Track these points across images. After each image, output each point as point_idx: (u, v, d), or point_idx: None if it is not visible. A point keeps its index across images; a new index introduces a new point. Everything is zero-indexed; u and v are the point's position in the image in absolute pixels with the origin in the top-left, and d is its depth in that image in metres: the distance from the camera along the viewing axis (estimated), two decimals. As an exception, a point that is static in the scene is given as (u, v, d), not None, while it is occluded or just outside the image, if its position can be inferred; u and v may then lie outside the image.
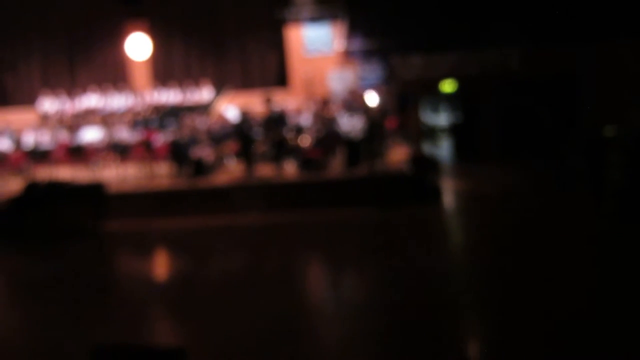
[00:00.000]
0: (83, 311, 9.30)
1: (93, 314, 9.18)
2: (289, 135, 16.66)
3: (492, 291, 8.90)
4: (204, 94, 21.25)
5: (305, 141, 16.33)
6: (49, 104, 21.51)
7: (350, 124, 17.39)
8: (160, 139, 18.70)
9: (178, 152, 16.15)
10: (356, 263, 11.43)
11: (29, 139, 19.03)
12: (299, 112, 18.46)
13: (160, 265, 12.55)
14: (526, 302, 8.31)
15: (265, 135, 16.26)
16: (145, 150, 17.15)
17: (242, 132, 16.12)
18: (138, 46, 22.28)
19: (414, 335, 7.46)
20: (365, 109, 17.63)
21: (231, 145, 17.24)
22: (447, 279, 9.79)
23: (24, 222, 14.25)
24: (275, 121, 16.33)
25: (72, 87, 22.41)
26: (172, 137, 17.16)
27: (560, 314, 7.83)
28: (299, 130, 17.08)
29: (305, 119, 17.77)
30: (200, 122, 17.63)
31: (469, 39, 20.49)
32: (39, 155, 17.51)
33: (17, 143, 18.81)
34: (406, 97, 20.58)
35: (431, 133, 20.54)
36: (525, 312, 7.99)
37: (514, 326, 7.57)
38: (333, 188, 15.10)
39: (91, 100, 21.60)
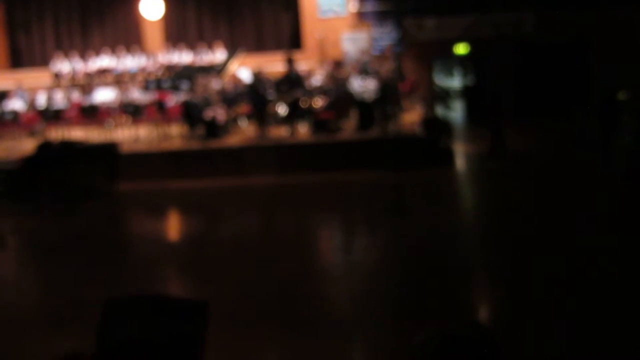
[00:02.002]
0: (98, 271, 9.26)
1: (108, 273, 9.13)
2: (302, 97, 16.50)
3: (503, 254, 8.83)
4: (216, 55, 21.12)
5: (319, 103, 16.18)
6: (61, 65, 21.41)
7: (363, 86, 17.26)
8: (173, 99, 18.58)
9: (190, 113, 16.01)
10: (368, 225, 11.44)
11: (42, 99, 18.95)
12: (311, 74, 18.30)
13: (173, 226, 12.52)
14: (537, 265, 8.22)
15: (279, 97, 16.11)
16: (157, 111, 17.02)
17: (255, 93, 15.96)
18: (151, 5, 22.10)
19: (425, 297, 7.39)
20: (378, 71, 17.46)
21: (244, 107, 17.12)
22: (458, 240, 9.74)
23: (38, 182, 14.21)
24: (291, 82, 16.14)
25: (85, 47, 22.30)
26: (184, 98, 17.00)
27: (569, 277, 7.76)
28: (312, 92, 16.94)
29: (318, 81, 17.60)
30: (213, 83, 17.49)
31: (483, 1, 20.24)
32: (51, 116, 17.40)
33: (30, 103, 18.74)
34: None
35: (444, 96, 20.40)
36: (535, 275, 7.91)
37: (524, 289, 7.50)
38: (346, 150, 14.97)
39: (104, 60, 21.50)
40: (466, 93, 16.37)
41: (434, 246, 9.47)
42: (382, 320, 6.98)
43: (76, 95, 19.55)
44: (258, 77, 16.36)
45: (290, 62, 16.92)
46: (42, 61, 22.34)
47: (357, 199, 13.24)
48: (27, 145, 16.22)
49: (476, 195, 12.94)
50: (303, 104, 16.52)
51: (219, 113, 16.18)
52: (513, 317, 6.84)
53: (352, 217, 11.94)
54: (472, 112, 18.75)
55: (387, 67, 17.76)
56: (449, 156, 15.46)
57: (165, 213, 13.43)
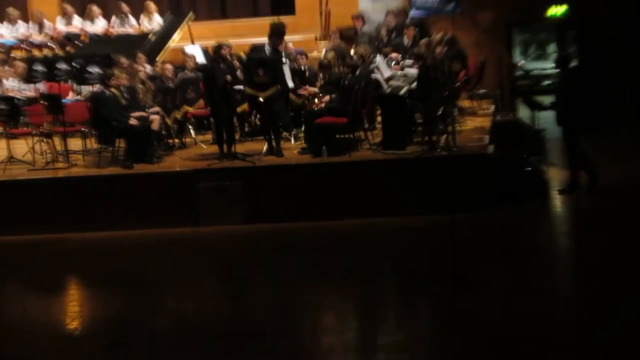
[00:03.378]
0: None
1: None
2: (291, 89, 16.45)
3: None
4: (149, 21, 21.11)
5: (319, 101, 16.10)
6: None
7: (394, 73, 17.16)
8: (74, 94, 18.55)
9: (103, 118, 15.93)
10: (403, 305, 11.36)
11: None
12: (307, 51, 18.27)
13: (74, 306, 12.37)
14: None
15: (252, 89, 16.00)
16: (47, 113, 16.91)
17: (212, 83, 15.88)
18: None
19: None
20: (419, 49, 17.37)
21: (195, 105, 17.06)
22: (551, 331, 9.64)
23: None
24: (273, 65, 16.03)
25: None
26: (93, 91, 16.93)
27: None
28: (307, 81, 16.87)
29: (317, 63, 17.58)
30: (142, 68, 17.42)
31: None
32: None
33: None
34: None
35: (532, 88, 20.30)
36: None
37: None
38: (365, 179, 14.95)
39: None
40: (566, 81, 16.15)
41: (509, 345, 9.31)
42: None
43: None
44: (218, 56, 16.26)
45: (273, 32, 16.87)
46: None
47: (383, 260, 13.13)
48: None
49: (585, 258, 12.78)
50: (293, 102, 16.48)
51: (152, 116, 16.08)
52: None
53: (376, 291, 11.81)
54: (576, 114, 18.62)
55: (434, 42, 17.67)
56: (539, 187, 15.42)
57: (60, 284, 13.25)
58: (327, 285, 12.19)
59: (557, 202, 15.54)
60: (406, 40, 18.79)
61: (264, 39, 17.07)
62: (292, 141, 16.84)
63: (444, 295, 11.00)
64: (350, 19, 20.54)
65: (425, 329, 10.39)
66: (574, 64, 19.31)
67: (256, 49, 17.24)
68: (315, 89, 16.84)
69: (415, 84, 16.10)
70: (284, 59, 16.94)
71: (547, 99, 16.34)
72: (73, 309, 12.21)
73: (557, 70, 16.93)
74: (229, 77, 15.54)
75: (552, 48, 24.86)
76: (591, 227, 14.05)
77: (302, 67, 17.41)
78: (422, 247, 13.12)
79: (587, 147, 15.54)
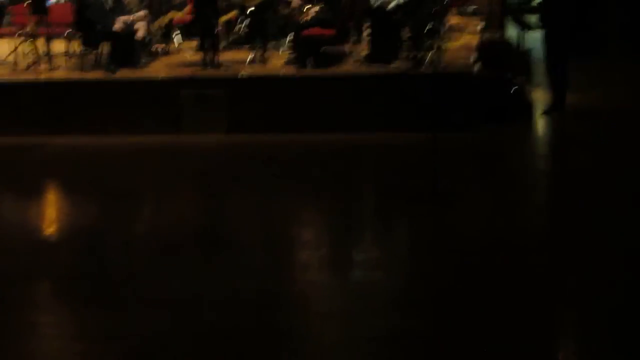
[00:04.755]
0: None
1: None
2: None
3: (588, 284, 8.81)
4: None
5: (307, 11, 16.01)
6: None
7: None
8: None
9: (88, 20, 15.84)
10: (386, 220, 11.43)
11: None
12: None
13: (51, 213, 12.42)
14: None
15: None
16: (31, 14, 16.80)
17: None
18: None
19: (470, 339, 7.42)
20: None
21: (180, 14, 16.96)
22: (527, 248, 9.81)
23: None
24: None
25: None
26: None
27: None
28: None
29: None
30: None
31: None
32: None
33: None
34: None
35: (522, 5, 20.21)
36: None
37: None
38: (352, 94, 14.92)
39: None
40: (552, 5, 16.10)
41: (485, 261, 9.37)
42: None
43: None
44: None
45: None
46: None
47: (364, 175, 13.31)
48: None
49: (563, 177, 12.85)
50: (279, 12, 16.41)
51: (137, 23, 15.99)
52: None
53: (354, 207, 11.93)
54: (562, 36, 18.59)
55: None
56: (523, 108, 15.41)
57: (39, 188, 13.28)
58: (304, 199, 12.24)
59: (541, 123, 15.56)
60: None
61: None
62: (281, 50, 16.67)
63: (422, 212, 11.06)
64: None
65: (402, 246, 10.45)
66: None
67: None
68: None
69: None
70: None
71: (536, 19, 16.28)
72: (50, 214, 12.31)
73: None
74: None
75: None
76: (571, 148, 14.28)
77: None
78: (404, 164, 13.16)
79: (566, 71, 15.55)
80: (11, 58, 16.44)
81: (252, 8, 15.94)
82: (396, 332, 7.70)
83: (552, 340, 7.75)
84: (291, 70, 15.61)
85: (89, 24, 15.87)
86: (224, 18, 16.48)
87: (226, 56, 16.22)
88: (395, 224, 11.14)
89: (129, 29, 15.89)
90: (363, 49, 16.12)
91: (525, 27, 16.36)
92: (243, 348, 7.53)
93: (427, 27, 15.45)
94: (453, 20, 18.41)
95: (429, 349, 7.44)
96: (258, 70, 15.67)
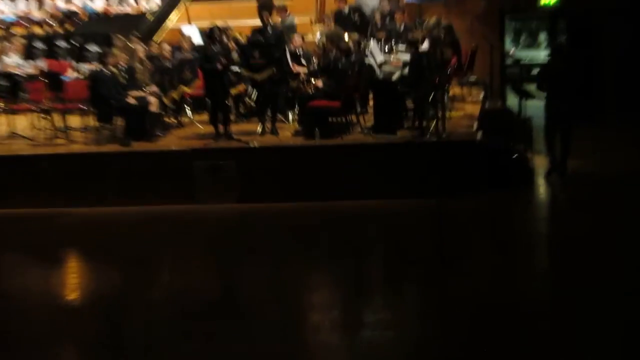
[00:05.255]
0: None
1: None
2: (286, 72, 16.46)
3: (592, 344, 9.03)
4: (147, 1, 21.13)
5: (314, 83, 16.15)
6: None
7: (387, 59, 17.26)
8: (73, 72, 18.55)
9: (103, 96, 15.95)
10: (393, 284, 11.50)
11: None
12: (303, 34, 18.24)
13: (73, 278, 12.55)
14: None
15: (248, 70, 16.08)
16: (48, 90, 16.97)
17: (208, 63, 15.89)
18: None
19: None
20: (413, 35, 17.42)
21: (192, 85, 17.12)
22: (535, 312, 9.90)
23: None
24: (267, 47, 16.08)
25: None
26: (93, 70, 16.99)
27: None
28: (303, 64, 16.91)
29: (309, 50, 17.65)
30: (140, 47, 17.42)
31: None
32: None
33: None
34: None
35: (522, 76, 20.24)
36: None
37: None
38: (358, 162, 15.08)
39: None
40: (558, 72, 16.21)
41: (491, 322, 9.59)
42: None
43: None
44: (214, 36, 16.26)
45: (261, 6, 16.97)
46: None
47: (372, 241, 13.38)
48: None
49: (565, 242, 12.91)
50: (288, 85, 16.57)
51: (149, 97, 16.11)
52: None
53: (362, 271, 12.08)
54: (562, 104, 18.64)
55: (427, 28, 17.68)
56: (524, 174, 15.61)
57: (60, 257, 13.42)
58: (315, 265, 12.31)
59: (542, 187, 15.72)
60: (398, 25, 18.84)
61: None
62: (290, 122, 16.93)
63: (430, 275, 11.20)
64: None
65: (411, 308, 10.58)
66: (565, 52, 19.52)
67: (257, 31, 17.23)
68: (304, 69, 16.89)
69: (407, 70, 16.18)
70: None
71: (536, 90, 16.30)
72: (71, 281, 12.37)
73: (551, 57, 16.87)
74: (222, 61, 15.57)
75: (542, 37, 24.97)
76: (572, 212, 14.35)
77: (297, 50, 17.40)
78: (410, 230, 13.25)
79: (568, 136, 15.70)
80: (28, 132, 16.59)
81: (261, 81, 16.13)
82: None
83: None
84: (299, 140, 15.73)
85: (102, 99, 16.04)
86: (233, 91, 16.59)
87: (237, 128, 16.37)
88: (404, 288, 11.22)
89: (142, 103, 16.06)
90: (369, 119, 16.36)
91: (525, 95, 16.32)
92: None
93: (430, 97, 15.55)
94: (455, 90, 18.52)
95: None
96: (267, 140, 15.80)
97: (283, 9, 18.44)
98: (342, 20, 18.84)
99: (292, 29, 18.25)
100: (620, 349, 8.83)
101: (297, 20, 19.47)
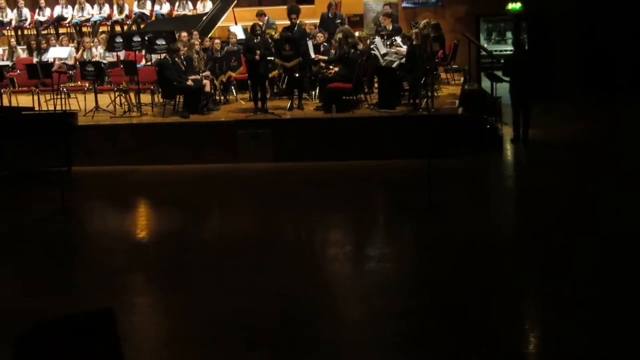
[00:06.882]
0: (37, 277, 9.23)
1: (55, 281, 9.07)
2: (309, 60, 16.43)
3: (550, 273, 8.79)
4: (203, 5, 20.97)
5: (331, 70, 16.04)
6: (6, 14, 21.28)
7: (388, 50, 17.15)
8: (145, 60, 18.49)
9: (167, 78, 15.88)
10: (390, 226, 11.44)
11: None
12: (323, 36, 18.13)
13: (143, 222, 12.43)
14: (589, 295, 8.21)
15: (280, 59, 15.99)
16: (125, 74, 16.88)
17: (250, 54, 15.79)
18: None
19: (458, 323, 7.40)
20: (409, 32, 17.37)
21: (237, 71, 16.98)
22: (505, 251, 9.74)
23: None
24: (295, 42, 16.01)
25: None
26: (160, 59, 16.87)
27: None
28: (322, 54, 16.83)
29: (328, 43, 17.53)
30: (197, 40, 17.32)
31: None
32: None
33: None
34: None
35: (492, 64, 20.23)
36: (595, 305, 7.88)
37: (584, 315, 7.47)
38: (365, 131, 14.93)
39: (58, 9, 21.37)
40: (519, 61, 16.21)
41: (473, 255, 9.40)
42: (402, 347, 6.95)
43: (22, 52, 19.43)
44: (255, 33, 16.16)
45: (290, 11, 16.96)
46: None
47: (377, 192, 13.23)
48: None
49: (529, 192, 12.78)
50: (312, 70, 16.47)
51: (203, 79, 16.04)
52: (562, 344, 6.89)
53: (369, 216, 11.89)
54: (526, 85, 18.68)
55: (420, 26, 17.57)
56: (495, 142, 15.44)
57: (133, 203, 13.40)
58: (332, 209, 12.16)
59: (509, 152, 15.55)
60: (388, 26, 18.62)
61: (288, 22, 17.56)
62: (312, 99, 16.76)
63: (422, 219, 11.03)
64: (355, 8, 20.83)
65: (407, 245, 10.44)
66: (526, 47, 19.45)
67: (286, 29, 17.58)
68: (325, 57, 16.73)
69: (404, 59, 16.10)
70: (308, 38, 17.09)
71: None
72: (142, 222, 12.34)
73: (514, 50, 17.00)
74: (258, 52, 15.44)
75: (508, 35, 25.06)
76: (535, 169, 14.33)
77: (320, 43, 17.30)
78: (406, 183, 13.09)
79: (529, 112, 15.65)
80: (111, 107, 16.51)
81: (290, 67, 15.99)
82: (405, 310, 7.74)
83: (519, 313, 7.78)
84: (320, 113, 15.62)
85: (167, 81, 16.00)
86: (269, 75, 16.51)
87: (271, 103, 16.26)
88: (401, 227, 11.15)
89: (198, 85, 15.96)
90: (374, 97, 16.25)
91: (495, 79, 16.40)
92: (289, 317, 7.61)
93: (422, 80, 15.56)
94: (441, 75, 18.40)
95: (434, 322, 7.47)
96: (295, 113, 15.72)
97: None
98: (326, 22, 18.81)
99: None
100: (581, 272, 8.65)
101: (318, 21, 19.20)
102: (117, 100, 16.67)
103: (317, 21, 18.92)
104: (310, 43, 16.93)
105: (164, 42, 16.55)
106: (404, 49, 16.58)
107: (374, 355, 6.90)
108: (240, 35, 18.08)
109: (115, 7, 21.31)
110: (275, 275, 8.97)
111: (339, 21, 18.45)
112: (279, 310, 7.92)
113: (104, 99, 16.82)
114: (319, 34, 17.38)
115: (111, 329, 2.83)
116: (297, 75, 16.07)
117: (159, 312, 8.38)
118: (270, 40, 16.57)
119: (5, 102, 16.80)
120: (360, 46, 16.12)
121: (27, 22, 21.43)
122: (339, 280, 9.11)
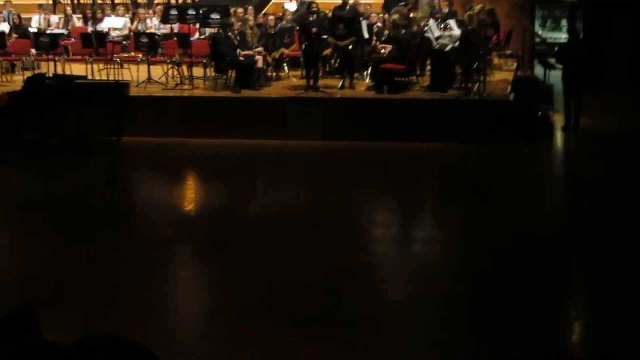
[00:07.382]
0: (90, 247, 9.27)
1: (103, 250, 9.14)
2: (362, 40, 16.37)
3: (596, 263, 8.67)
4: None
5: (384, 50, 15.96)
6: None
7: (442, 33, 17.00)
8: (199, 33, 18.50)
9: (220, 53, 15.90)
10: (436, 210, 11.42)
11: (35, 24, 18.99)
12: (377, 16, 18.08)
13: (191, 193, 12.48)
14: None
15: (332, 38, 15.94)
16: (178, 47, 16.93)
17: (303, 31, 15.78)
18: None
19: (500, 306, 7.34)
20: (463, 15, 17.22)
21: (290, 48, 16.96)
22: (549, 238, 9.61)
23: (23, 127, 14.15)
24: (348, 20, 15.96)
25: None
26: (213, 33, 16.88)
27: None
28: (376, 34, 16.76)
29: (381, 22, 17.49)
30: (251, 16, 17.33)
31: None
32: (46, 44, 17.32)
33: (19, 27, 18.72)
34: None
35: (546, 51, 20.07)
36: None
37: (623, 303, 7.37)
38: (415, 113, 14.79)
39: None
40: (573, 49, 16.03)
41: (519, 243, 9.31)
42: (445, 330, 6.90)
43: (78, 23, 19.53)
44: (309, 9, 16.14)
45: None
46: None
47: (425, 175, 13.17)
48: (14, 79, 16.23)
49: (578, 180, 12.63)
50: (364, 50, 16.40)
51: (256, 55, 16.05)
52: (607, 335, 6.79)
53: (416, 198, 11.83)
54: (580, 75, 18.50)
55: (475, 11, 17.40)
56: (546, 129, 15.25)
57: (181, 176, 13.44)
58: (379, 190, 12.15)
59: (559, 139, 15.37)
60: (445, 8, 18.52)
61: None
62: (365, 80, 16.61)
63: (468, 205, 10.99)
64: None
65: (453, 229, 10.36)
66: (581, 35, 19.21)
67: (337, 7, 17.53)
68: (387, 47, 16.51)
69: (457, 43, 15.93)
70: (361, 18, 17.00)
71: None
72: (189, 195, 12.36)
73: (568, 38, 16.80)
74: (314, 29, 15.47)
75: (563, 23, 24.72)
76: (584, 158, 14.20)
77: (373, 24, 17.25)
78: (454, 168, 13.00)
79: (581, 100, 15.42)
80: (163, 79, 16.54)
81: (343, 46, 15.91)
82: (449, 294, 7.69)
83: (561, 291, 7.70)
84: (371, 94, 15.52)
85: (220, 56, 15.98)
86: (323, 53, 16.44)
87: (323, 82, 16.17)
88: (448, 211, 11.07)
89: (250, 60, 15.93)
90: (425, 80, 16.12)
91: (548, 67, 16.27)
92: (333, 295, 7.59)
93: (474, 65, 15.42)
94: (494, 60, 18.24)
95: (477, 307, 7.43)
96: (346, 93, 15.62)
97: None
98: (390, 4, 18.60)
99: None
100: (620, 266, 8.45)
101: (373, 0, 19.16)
102: (170, 72, 16.67)
103: (381, 1, 18.91)
104: (364, 23, 16.84)
105: (218, 16, 16.57)
106: (457, 32, 16.41)
107: (415, 337, 6.88)
108: (295, 10, 18.03)
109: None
110: (321, 252, 8.94)
111: (402, 3, 18.32)
112: (323, 287, 7.91)
113: (157, 71, 16.81)
114: (373, 14, 17.33)
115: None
116: (349, 54, 15.98)
117: (203, 285, 8.40)
118: (325, 19, 16.47)
119: (60, 70, 16.88)
120: (415, 28, 16.08)
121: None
122: (384, 261, 9.09)
